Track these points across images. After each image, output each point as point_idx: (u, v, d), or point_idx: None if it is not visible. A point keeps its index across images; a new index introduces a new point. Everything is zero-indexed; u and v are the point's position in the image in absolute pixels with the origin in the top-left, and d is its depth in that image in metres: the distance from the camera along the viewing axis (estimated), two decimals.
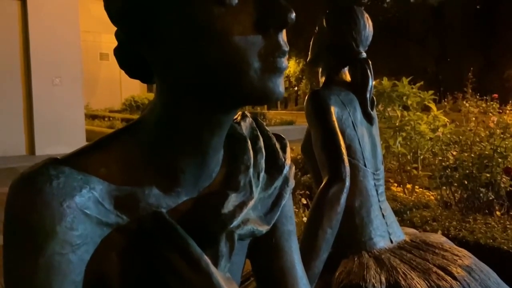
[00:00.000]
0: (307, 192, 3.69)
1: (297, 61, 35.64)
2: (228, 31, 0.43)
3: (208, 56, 0.44)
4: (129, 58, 0.51)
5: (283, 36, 0.46)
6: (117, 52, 0.52)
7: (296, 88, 39.35)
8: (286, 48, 0.46)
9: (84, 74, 9.32)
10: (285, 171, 0.64)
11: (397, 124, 4.12)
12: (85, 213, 0.47)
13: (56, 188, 0.46)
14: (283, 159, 0.65)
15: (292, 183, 0.66)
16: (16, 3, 8.28)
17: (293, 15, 0.44)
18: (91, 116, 13.12)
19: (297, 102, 39.14)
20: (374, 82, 1.51)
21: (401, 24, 38.21)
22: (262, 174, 0.61)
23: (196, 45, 0.44)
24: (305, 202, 3.30)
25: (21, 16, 8.27)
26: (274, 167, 0.64)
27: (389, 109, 4.34)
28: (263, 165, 0.61)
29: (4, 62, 8.15)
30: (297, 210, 3.29)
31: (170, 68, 0.48)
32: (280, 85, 0.47)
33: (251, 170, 0.58)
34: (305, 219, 2.86)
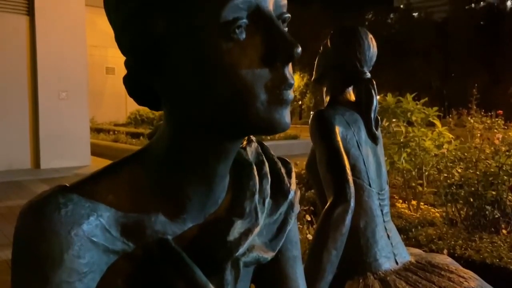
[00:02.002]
0: (311, 208, 3.67)
1: (301, 75, 35.83)
2: (236, 65, 0.44)
3: (216, 88, 0.45)
4: (138, 86, 0.52)
5: (289, 69, 0.47)
6: (126, 80, 0.53)
7: (300, 102, 39.49)
8: (292, 81, 0.47)
9: (90, 88, 9.41)
10: (290, 197, 0.65)
11: (401, 140, 4.12)
12: (92, 240, 0.48)
13: (64, 216, 0.46)
14: (288, 184, 0.65)
15: (297, 208, 0.66)
16: (25, 18, 8.41)
17: (299, 49, 0.45)
18: (96, 130, 13.20)
19: (301, 116, 39.23)
20: (378, 97, 1.52)
21: (405, 39, 38.43)
22: (268, 199, 0.61)
23: (204, 77, 0.45)
24: (309, 218, 3.28)
25: (29, 31, 8.40)
26: (279, 192, 0.64)
27: (393, 125, 4.34)
28: (269, 191, 0.62)
29: (11, 76, 8.25)
30: (301, 226, 3.26)
31: (178, 98, 0.49)
32: (286, 116, 0.48)
33: (256, 196, 0.59)
34: (309, 236, 2.84)
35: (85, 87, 9.03)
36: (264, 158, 0.64)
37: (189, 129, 0.50)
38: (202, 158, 0.52)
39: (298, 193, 0.68)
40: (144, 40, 0.47)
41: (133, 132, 12.25)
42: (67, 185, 0.50)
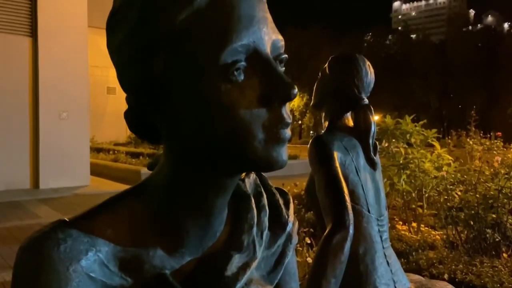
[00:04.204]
0: (311, 230, 3.65)
1: (301, 95, 36.07)
2: (234, 105, 0.45)
3: (215, 127, 0.46)
4: (138, 122, 0.53)
5: (286, 109, 0.48)
6: (127, 115, 0.54)
7: (300, 122, 39.65)
8: (289, 120, 0.48)
9: (90, 108, 9.46)
10: (288, 228, 0.65)
11: (401, 161, 4.12)
12: (91, 276, 0.48)
13: (63, 252, 0.47)
14: (287, 216, 0.65)
15: (295, 239, 0.67)
16: (28, 39, 8.52)
17: (296, 91, 0.46)
18: (96, 149, 13.20)
19: (301, 136, 39.33)
20: (377, 118, 1.53)
21: (404, 60, 38.85)
22: (266, 232, 0.62)
23: (203, 117, 0.46)
24: (309, 241, 3.26)
25: (31, 52, 8.50)
26: (277, 224, 0.64)
27: (392, 146, 4.36)
28: (267, 223, 0.62)
29: (13, 96, 8.31)
30: (300, 249, 3.25)
31: (178, 135, 0.50)
32: (284, 154, 0.49)
33: (254, 229, 0.59)
34: (309, 259, 2.82)
35: (86, 107, 9.08)
36: (262, 190, 0.65)
37: (188, 165, 0.51)
38: (201, 193, 0.52)
39: (296, 224, 0.68)
40: (144, 80, 0.48)
41: (133, 152, 12.24)
42: (67, 219, 0.51)
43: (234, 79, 0.45)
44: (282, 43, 0.50)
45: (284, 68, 0.50)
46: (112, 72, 16.50)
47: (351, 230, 1.20)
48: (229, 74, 0.45)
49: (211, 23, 0.45)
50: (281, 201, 0.67)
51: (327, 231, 1.22)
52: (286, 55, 0.50)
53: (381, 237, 1.38)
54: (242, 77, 0.46)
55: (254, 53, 0.46)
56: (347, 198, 1.25)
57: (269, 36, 0.48)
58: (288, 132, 0.48)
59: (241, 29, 0.45)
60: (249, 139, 0.46)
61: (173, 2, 0.45)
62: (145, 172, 8.84)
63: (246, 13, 0.46)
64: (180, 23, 0.45)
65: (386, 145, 4.43)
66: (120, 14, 0.48)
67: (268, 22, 0.48)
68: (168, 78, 0.47)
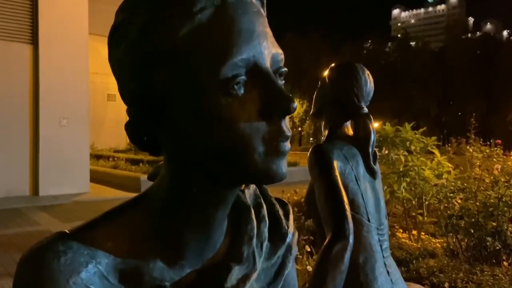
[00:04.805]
0: (311, 237, 3.65)
1: (301, 102, 36.14)
2: (234, 119, 0.46)
3: (215, 140, 0.47)
4: (139, 133, 0.54)
5: (285, 122, 0.49)
6: (128, 127, 0.54)
7: (299, 129, 39.68)
8: (289, 133, 0.48)
9: (90, 115, 9.47)
10: (288, 239, 0.65)
11: (401, 169, 4.12)
12: None
13: (63, 264, 0.47)
14: (286, 227, 0.65)
15: (295, 250, 0.67)
16: (28, 47, 8.55)
17: (295, 105, 0.47)
18: (96, 156, 13.19)
19: (301, 143, 39.35)
20: (377, 125, 1.53)
21: (403, 67, 38.98)
22: (266, 243, 0.62)
23: (204, 130, 0.47)
24: (309, 249, 3.25)
25: (32, 60, 8.52)
26: (277, 235, 0.64)
27: (392, 154, 4.36)
28: (267, 234, 0.62)
29: (13, 103, 8.32)
30: (300, 257, 3.24)
31: (178, 147, 0.50)
32: (283, 166, 0.49)
33: (254, 240, 0.59)
34: (308, 267, 2.81)
35: (86, 114, 9.09)
36: (262, 201, 0.65)
37: (188, 176, 0.51)
38: (201, 205, 0.53)
39: (296, 235, 0.68)
40: (145, 93, 0.49)
41: (133, 159, 12.23)
42: (67, 231, 0.51)
43: (234, 93, 0.46)
44: (282, 56, 0.51)
45: (283, 81, 0.51)
46: (112, 79, 16.36)
47: (351, 240, 1.20)
48: (230, 88, 0.45)
49: (212, 38, 0.46)
50: (281, 212, 0.67)
51: (327, 240, 1.22)
52: (285, 69, 0.51)
53: (381, 246, 1.38)
54: (242, 91, 0.46)
55: (254, 67, 0.47)
56: (347, 207, 1.25)
57: (268, 50, 0.48)
58: (287, 145, 0.49)
59: (241, 43, 0.46)
60: (249, 152, 0.47)
61: (175, 17, 0.46)
62: (144, 179, 8.83)
63: (246, 27, 0.47)
64: (181, 38, 0.46)
65: (386, 152, 4.43)
66: (122, 29, 0.49)
67: (268, 36, 0.49)
68: (168, 92, 0.48)
